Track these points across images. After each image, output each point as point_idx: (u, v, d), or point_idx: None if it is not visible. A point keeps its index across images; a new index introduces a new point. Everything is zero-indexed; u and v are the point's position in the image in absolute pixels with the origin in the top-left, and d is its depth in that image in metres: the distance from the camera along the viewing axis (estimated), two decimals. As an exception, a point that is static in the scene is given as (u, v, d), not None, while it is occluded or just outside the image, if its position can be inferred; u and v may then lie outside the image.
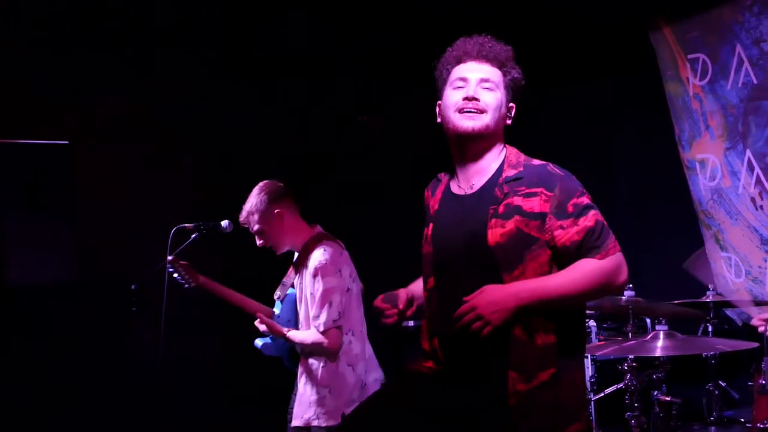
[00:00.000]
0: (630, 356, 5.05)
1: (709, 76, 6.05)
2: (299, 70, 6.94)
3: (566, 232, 3.07)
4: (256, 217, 4.80)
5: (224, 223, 5.18)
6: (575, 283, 3.05)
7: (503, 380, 3.04)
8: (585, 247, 3.06)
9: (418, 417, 3.18)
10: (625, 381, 5.00)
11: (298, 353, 4.88)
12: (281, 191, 4.86)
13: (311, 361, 4.73)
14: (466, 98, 3.20)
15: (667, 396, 5.00)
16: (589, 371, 5.80)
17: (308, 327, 4.73)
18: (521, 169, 3.18)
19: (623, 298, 5.22)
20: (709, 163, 6.12)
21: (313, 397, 4.68)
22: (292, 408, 4.84)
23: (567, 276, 3.06)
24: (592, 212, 3.09)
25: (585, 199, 3.11)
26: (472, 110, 3.19)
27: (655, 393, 4.98)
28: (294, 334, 4.73)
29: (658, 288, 5.97)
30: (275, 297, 5.03)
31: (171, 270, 4.89)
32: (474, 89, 3.21)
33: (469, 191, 3.25)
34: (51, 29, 5.94)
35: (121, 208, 6.03)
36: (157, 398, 5.16)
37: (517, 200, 3.11)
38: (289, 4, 6.79)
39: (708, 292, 5.37)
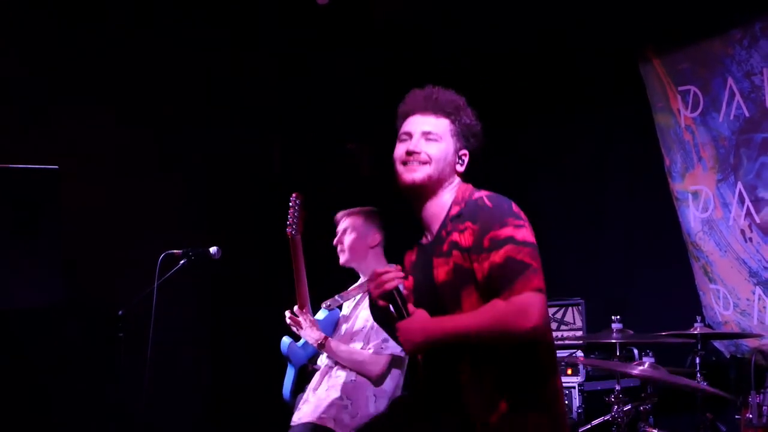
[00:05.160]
0: (617, 387, 5.05)
1: (700, 108, 6.07)
2: (289, 95, 6.95)
3: (480, 267, 3.08)
4: (354, 234, 4.87)
5: (213, 249, 5.16)
6: (477, 323, 3.02)
7: (466, 413, 3.10)
8: (495, 284, 3.04)
9: None
10: (612, 413, 4.99)
11: (308, 369, 4.89)
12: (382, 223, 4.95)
13: (345, 372, 4.74)
14: (408, 152, 3.28)
15: (654, 428, 5.00)
16: (576, 402, 5.79)
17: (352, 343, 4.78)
18: (463, 205, 3.24)
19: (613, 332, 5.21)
20: (702, 195, 6.14)
21: (336, 402, 4.69)
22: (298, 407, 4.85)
23: (473, 316, 3.05)
24: (507, 247, 3.03)
25: (505, 231, 3.06)
26: (414, 162, 3.26)
27: (642, 425, 4.97)
28: (337, 345, 4.74)
29: (646, 319, 5.97)
30: (323, 305, 4.96)
31: (291, 204, 4.85)
32: (416, 143, 3.29)
33: (430, 239, 3.32)
34: (39, 54, 5.94)
35: (110, 233, 6.01)
36: (142, 424, 5.12)
37: (455, 236, 3.16)
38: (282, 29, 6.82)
39: (696, 324, 5.36)
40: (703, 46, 6.00)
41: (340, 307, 4.96)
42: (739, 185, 5.86)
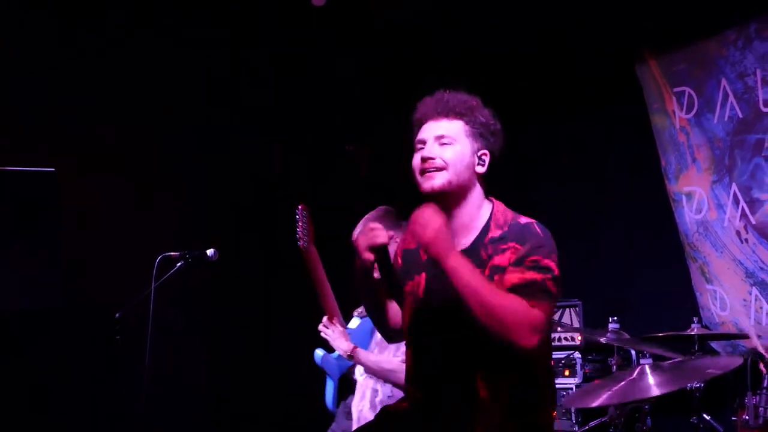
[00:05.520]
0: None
1: (695, 110, 6.06)
2: (285, 97, 6.96)
3: (511, 276, 3.03)
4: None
5: (210, 251, 5.17)
6: (490, 296, 2.95)
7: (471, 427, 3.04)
8: (519, 291, 3.00)
9: None
10: (609, 414, 5.00)
11: (350, 379, 4.85)
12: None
13: (381, 387, 4.67)
14: (423, 158, 3.20)
15: (652, 429, 5.00)
16: (572, 404, 5.80)
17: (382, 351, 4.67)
18: (506, 229, 3.16)
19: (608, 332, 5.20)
20: (696, 196, 6.13)
21: None
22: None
23: (490, 286, 3.00)
24: (547, 275, 3.02)
25: (549, 263, 3.05)
26: (431, 170, 3.18)
27: (640, 426, 4.98)
28: (366, 355, 4.61)
29: (644, 320, 5.97)
30: (355, 313, 4.91)
31: (298, 217, 4.74)
32: (430, 148, 3.21)
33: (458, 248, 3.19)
34: (39, 54, 5.96)
35: (107, 236, 6.02)
36: (141, 426, 5.14)
37: (497, 259, 3.10)
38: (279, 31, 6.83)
39: (693, 325, 5.36)
40: (698, 47, 5.98)
41: None
42: (734, 186, 5.85)
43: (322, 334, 4.73)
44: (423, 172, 3.20)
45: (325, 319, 4.73)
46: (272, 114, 6.94)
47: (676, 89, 6.17)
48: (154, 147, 6.38)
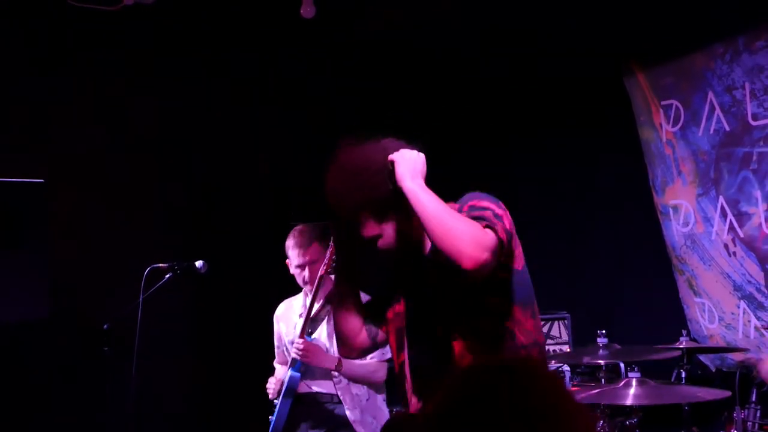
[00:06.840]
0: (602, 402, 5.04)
1: (681, 122, 6.08)
2: (276, 104, 6.94)
3: None
4: (317, 264, 4.70)
5: (198, 263, 5.15)
6: (446, 215, 2.83)
7: None
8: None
9: None
10: (598, 427, 4.98)
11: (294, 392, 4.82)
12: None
13: (358, 391, 4.75)
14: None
15: (640, 443, 4.98)
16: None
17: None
18: None
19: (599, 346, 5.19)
20: (683, 209, 6.15)
21: (368, 423, 4.72)
22: None
23: (447, 207, 2.88)
24: (487, 213, 2.88)
25: (485, 203, 2.93)
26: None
27: (628, 440, 4.97)
28: (350, 364, 4.66)
29: (632, 333, 5.97)
30: (304, 333, 4.89)
31: (330, 251, 4.68)
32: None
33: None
34: (23, 65, 5.93)
35: (95, 247, 6.00)
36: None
37: None
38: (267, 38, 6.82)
39: (681, 338, 5.36)
40: (685, 60, 6.00)
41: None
42: (721, 199, 5.86)
43: (299, 354, 4.70)
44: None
45: (298, 339, 4.72)
46: (261, 120, 6.91)
47: (663, 102, 6.18)
48: (144, 156, 6.34)
